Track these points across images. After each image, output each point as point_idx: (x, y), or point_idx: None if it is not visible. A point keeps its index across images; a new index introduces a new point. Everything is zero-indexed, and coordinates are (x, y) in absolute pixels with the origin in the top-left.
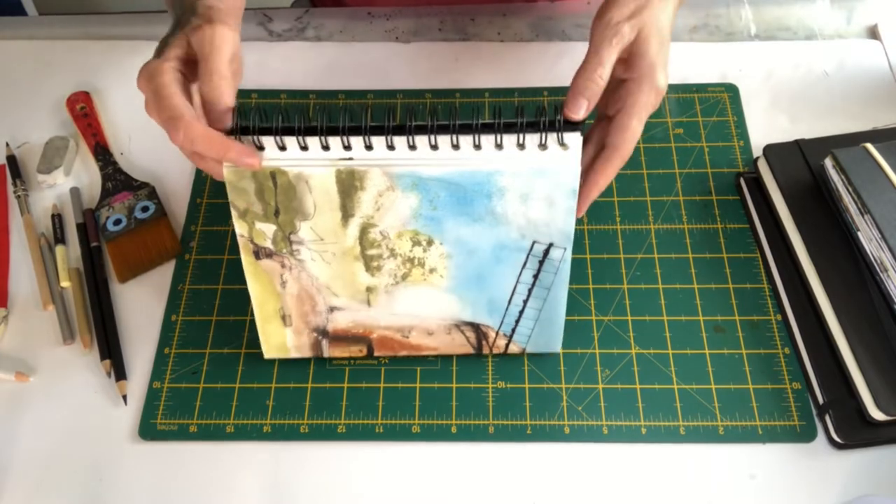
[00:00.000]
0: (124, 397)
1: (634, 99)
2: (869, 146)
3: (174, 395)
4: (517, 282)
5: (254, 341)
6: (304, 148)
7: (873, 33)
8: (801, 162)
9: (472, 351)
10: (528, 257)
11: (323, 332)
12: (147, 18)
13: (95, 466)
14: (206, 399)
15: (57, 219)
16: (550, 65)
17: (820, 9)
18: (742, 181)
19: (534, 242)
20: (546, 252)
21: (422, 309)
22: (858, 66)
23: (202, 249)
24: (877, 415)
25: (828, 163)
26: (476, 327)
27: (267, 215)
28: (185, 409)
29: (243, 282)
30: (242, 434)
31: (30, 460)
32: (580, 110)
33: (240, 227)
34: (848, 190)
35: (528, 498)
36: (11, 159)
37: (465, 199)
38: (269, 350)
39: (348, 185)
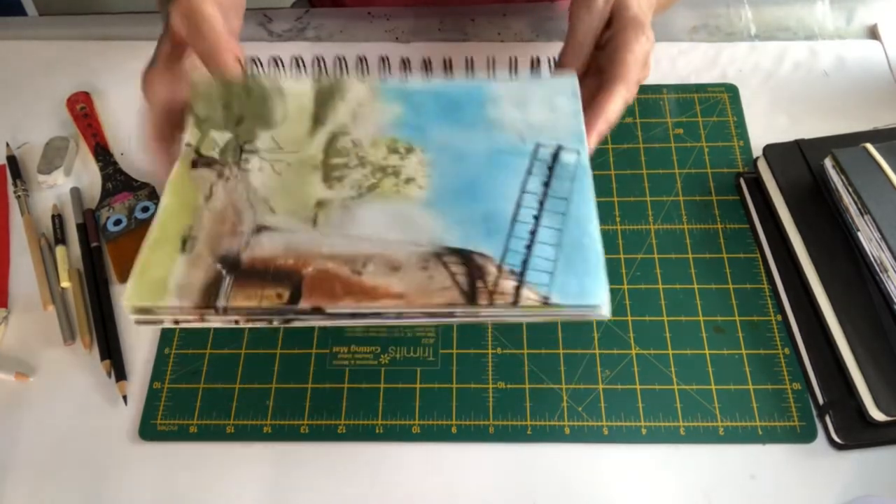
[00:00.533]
0: (124, 398)
1: (624, 36)
2: (869, 146)
3: (174, 396)
4: (522, 191)
5: (254, 341)
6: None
7: (873, 33)
8: (801, 162)
9: (459, 300)
10: (532, 162)
11: (231, 265)
12: (147, 18)
13: (95, 466)
14: (206, 399)
15: (57, 219)
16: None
17: (820, 9)
18: (742, 181)
19: (538, 145)
20: (555, 156)
21: (388, 230)
22: (858, 66)
23: None
24: (877, 415)
25: (828, 163)
26: (468, 259)
27: (227, 123)
28: (185, 410)
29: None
30: (242, 434)
31: (30, 460)
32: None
33: (191, 136)
34: (848, 190)
35: (528, 498)
36: (11, 159)
37: (454, 106)
38: (140, 289)
39: (326, 94)
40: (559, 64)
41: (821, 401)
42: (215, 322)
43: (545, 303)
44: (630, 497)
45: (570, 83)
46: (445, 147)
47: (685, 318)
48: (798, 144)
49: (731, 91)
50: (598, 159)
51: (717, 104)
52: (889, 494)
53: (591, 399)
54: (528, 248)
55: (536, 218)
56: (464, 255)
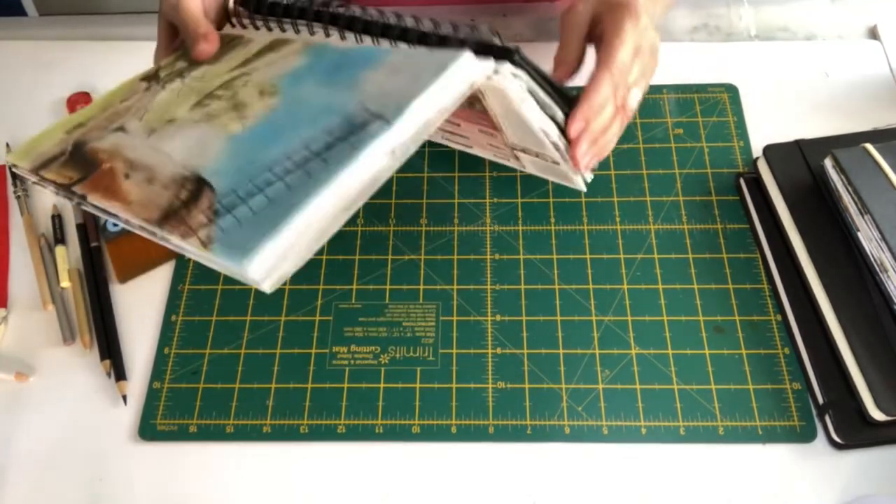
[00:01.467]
0: (124, 397)
1: (611, 21)
2: (869, 146)
3: (174, 396)
4: (302, 147)
5: (254, 341)
6: (269, 28)
7: (873, 33)
8: (801, 162)
9: (155, 214)
10: (341, 123)
11: (75, 148)
12: (147, 18)
13: (95, 466)
14: (206, 399)
15: (57, 219)
16: (550, 65)
17: (820, 9)
18: (742, 181)
19: (364, 109)
20: (364, 123)
21: (183, 151)
22: (858, 67)
23: None
24: (877, 415)
25: (828, 163)
26: (198, 187)
27: (186, 54)
28: (185, 409)
29: (243, 282)
30: (242, 434)
31: (30, 460)
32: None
33: (166, 60)
34: (848, 190)
35: (528, 498)
36: None
37: (340, 65)
38: (20, 150)
39: (269, 47)
40: (553, 68)
41: (821, 401)
42: (40, 184)
43: (204, 246)
44: (630, 497)
45: (449, 59)
46: (298, 99)
47: (685, 318)
48: (798, 144)
49: (731, 91)
50: None
51: (717, 104)
52: (889, 494)
53: (591, 399)
54: (250, 195)
55: (286, 172)
56: (198, 183)
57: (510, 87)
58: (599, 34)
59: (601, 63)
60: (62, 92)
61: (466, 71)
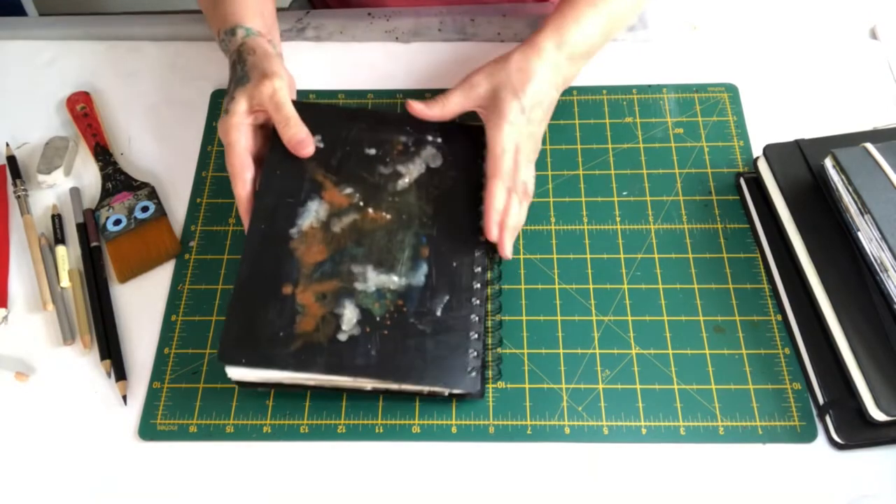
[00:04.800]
0: (124, 397)
1: (494, 131)
2: (869, 146)
3: (174, 396)
4: None
5: None
6: None
7: (873, 33)
8: (801, 162)
9: None
10: None
11: None
12: (147, 19)
13: (95, 466)
14: (206, 399)
15: (57, 219)
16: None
17: (820, 9)
18: (742, 181)
19: None
20: None
21: None
22: (858, 66)
23: (202, 249)
24: (877, 415)
25: (828, 163)
26: None
27: None
28: (185, 409)
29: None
30: (242, 434)
31: (29, 460)
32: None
33: None
34: (848, 190)
35: (528, 498)
36: (12, 159)
37: None
38: None
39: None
40: (426, 101)
41: (821, 401)
42: None
43: None
44: (630, 497)
45: None
46: None
47: (685, 317)
48: (798, 144)
49: (731, 91)
50: (599, 159)
51: (717, 104)
52: (889, 494)
53: (591, 399)
54: None
55: None
56: None
57: None
58: (484, 116)
59: (491, 175)
60: (62, 92)
61: None
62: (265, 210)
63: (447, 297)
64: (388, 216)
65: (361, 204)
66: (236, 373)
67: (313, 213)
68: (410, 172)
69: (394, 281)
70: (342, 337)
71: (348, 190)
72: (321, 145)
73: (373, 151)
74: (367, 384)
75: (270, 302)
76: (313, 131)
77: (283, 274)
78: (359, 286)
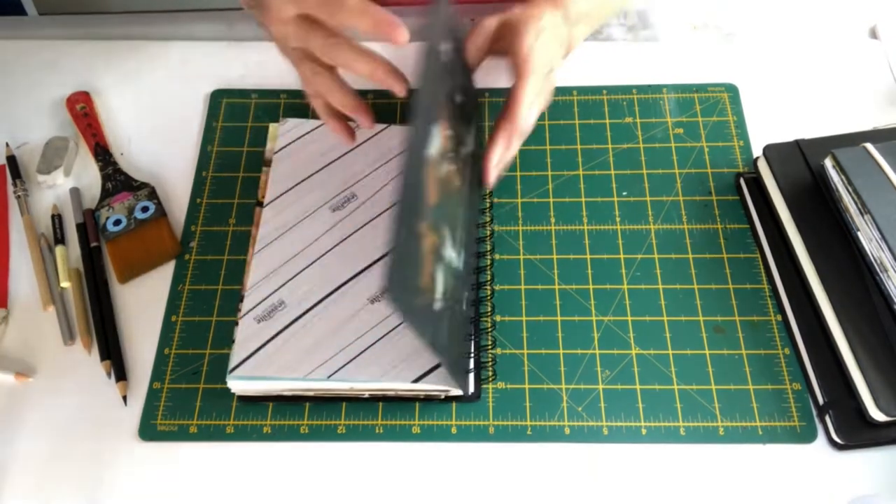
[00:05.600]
0: (124, 398)
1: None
2: (869, 146)
3: (174, 396)
4: None
5: None
6: None
7: (873, 33)
8: (801, 162)
9: None
10: None
11: None
12: (147, 18)
13: (95, 467)
14: (206, 399)
15: (57, 219)
16: None
17: (820, 8)
18: (742, 181)
19: None
20: None
21: None
22: (858, 66)
23: (202, 249)
24: (877, 415)
25: (828, 163)
26: None
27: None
28: (185, 410)
29: (243, 282)
30: (242, 434)
31: (30, 461)
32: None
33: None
34: (848, 190)
35: (528, 499)
36: (11, 159)
37: None
38: None
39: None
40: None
41: (821, 401)
42: None
43: None
44: (630, 497)
45: None
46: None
47: (685, 318)
48: (798, 144)
49: (731, 91)
50: (598, 159)
51: (717, 104)
52: (889, 494)
53: (591, 399)
54: None
55: None
56: None
57: None
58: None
59: (518, 74)
60: (62, 92)
61: None
62: (424, 111)
63: None
64: (458, 183)
65: (452, 155)
66: (238, 385)
67: (436, 142)
68: (467, 144)
69: (454, 260)
70: (437, 306)
71: (450, 132)
72: (447, 58)
73: (459, 99)
74: (365, 392)
75: (411, 236)
76: (444, 39)
77: (418, 205)
78: (444, 252)
